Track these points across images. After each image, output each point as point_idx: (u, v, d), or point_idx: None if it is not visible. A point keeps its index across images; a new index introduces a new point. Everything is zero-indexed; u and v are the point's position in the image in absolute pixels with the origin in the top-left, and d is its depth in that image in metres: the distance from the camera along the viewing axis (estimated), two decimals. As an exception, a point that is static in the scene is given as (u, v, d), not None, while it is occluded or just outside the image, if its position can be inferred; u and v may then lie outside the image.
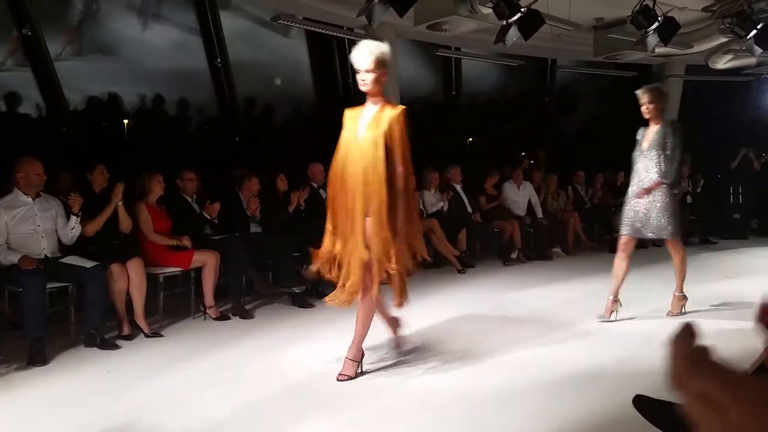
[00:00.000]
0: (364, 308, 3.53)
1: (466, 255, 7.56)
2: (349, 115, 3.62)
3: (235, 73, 8.48)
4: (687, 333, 0.51)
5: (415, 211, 3.71)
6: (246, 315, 5.10)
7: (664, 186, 4.65)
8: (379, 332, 3.86)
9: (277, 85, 9.48)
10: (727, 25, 7.94)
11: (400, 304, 3.55)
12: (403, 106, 3.56)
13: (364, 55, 3.47)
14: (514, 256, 7.77)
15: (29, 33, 6.63)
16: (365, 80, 3.50)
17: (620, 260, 4.82)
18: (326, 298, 3.66)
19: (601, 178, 9.29)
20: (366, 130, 3.46)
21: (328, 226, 3.57)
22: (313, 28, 8.08)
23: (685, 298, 4.86)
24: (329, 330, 4.64)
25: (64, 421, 3.01)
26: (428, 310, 5.29)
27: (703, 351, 0.51)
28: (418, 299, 5.67)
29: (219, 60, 8.34)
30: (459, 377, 3.52)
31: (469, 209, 7.94)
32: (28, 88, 6.98)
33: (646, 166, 4.75)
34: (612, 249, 8.46)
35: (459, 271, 7.08)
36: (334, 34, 8.53)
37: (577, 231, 8.59)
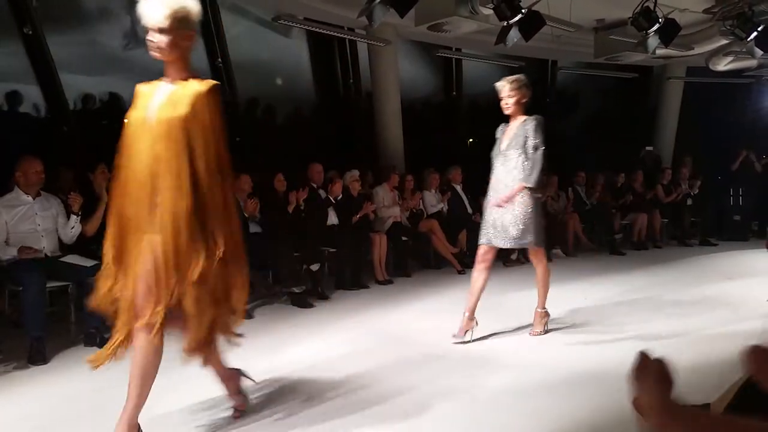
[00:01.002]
0: (138, 359, 2.60)
1: (466, 255, 7.55)
2: (141, 93, 2.66)
3: (236, 73, 8.49)
4: (660, 374, 0.49)
5: (239, 241, 2.74)
6: (245, 315, 5.09)
7: (526, 191, 4.12)
8: (375, 333, 3.86)
9: (278, 85, 9.49)
10: (728, 27, 7.94)
11: (191, 350, 2.64)
12: (214, 81, 2.55)
13: (156, 7, 2.45)
14: (514, 257, 7.77)
15: (30, 32, 6.63)
16: (157, 43, 2.49)
17: (478, 273, 4.28)
18: (88, 359, 2.66)
19: (602, 179, 9.29)
20: (158, 112, 2.50)
21: (108, 254, 2.62)
22: (314, 29, 8.08)
23: (547, 314, 4.41)
24: (329, 330, 4.64)
25: (64, 419, 3.01)
26: (428, 311, 5.29)
27: (675, 395, 0.49)
28: (418, 300, 5.68)
29: (220, 60, 8.35)
30: (458, 378, 3.52)
31: (470, 210, 7.94)
32: (29, 88, 6.99)
33: (507, 169, 4.20)
34: (612, 251, 8.52)
35: (459, 272, 7.08)
36: (335, 34, 8.54)
37: (577, 232, 8.59)
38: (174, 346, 2.61)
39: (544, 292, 4.41)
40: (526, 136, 4.15)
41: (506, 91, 4.23)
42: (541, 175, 4.11)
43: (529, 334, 4.37)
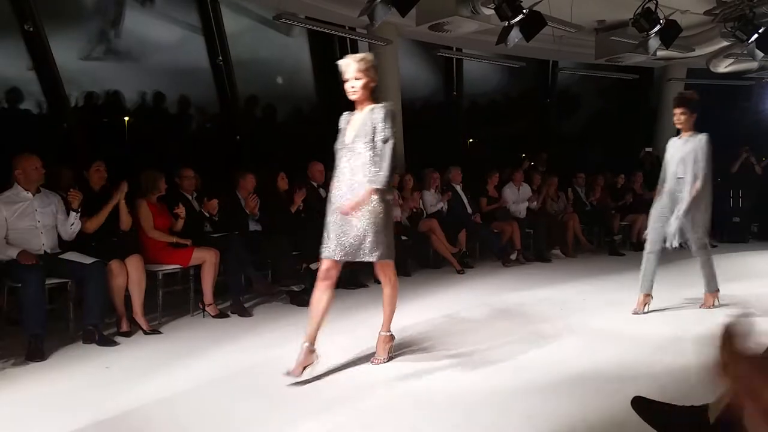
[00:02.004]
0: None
1: (466, 255, 7.56)
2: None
3: (236, 71, 8.49)
4: (742, 329, 0.55)
5: None
6: (245, 313, 5.10)
7: (376, 193, 3.47)
8: (374, 332, 3.86)
9: (278, 84, 9.49)
10: (729, 29, 7.95)
11: None
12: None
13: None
14: (513, 257, 7.78)
15: (31, 29, 6.63)
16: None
17: (320, 293, 3.56)
18: None
19: (601, 180, 9.30)
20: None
21: None
22: (315, 27, 8.08)
23: (392, 338, 3.80)
24: (327, 329, 4.64)
25: (62, 417, 3.01)
26: (427, 310, 5.29)
27: (752, 345, 0.55)
28: (418, 299, 5.68)
29: (221, 58, 8.35)
30: (456, 378, 3.52)
31: (469, 210, 7.94)
32: (30, 84, 6.98)
33: (353, 165, 3.53)
34: (612, 251, 8.53)
35: (458, 272, 7.08)
36: (336, 33, 8.53)
37: (577, 233, 8.59)
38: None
39: (390, 313, 3.78)
40: (375, 127, 3.46)
41: (352, 71, 3.50)
42: (392, 173, 3.50)
43: (371, 362, 3.69)
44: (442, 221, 7.37)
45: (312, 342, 3.51)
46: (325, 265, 3.56)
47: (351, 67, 3.50)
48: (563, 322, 4.76)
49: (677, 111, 4.89)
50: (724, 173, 10.15)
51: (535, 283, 6.42)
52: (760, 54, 8.16)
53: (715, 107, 11.60)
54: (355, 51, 9.84)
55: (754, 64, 9.24)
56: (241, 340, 4.39)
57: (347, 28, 8.68)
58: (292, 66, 9.71)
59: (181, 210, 5.09)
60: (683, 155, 4.97)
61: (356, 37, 9.03)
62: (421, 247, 7.36)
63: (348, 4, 7.49)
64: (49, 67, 6.86)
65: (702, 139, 4.94)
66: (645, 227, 8.87)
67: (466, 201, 7.94)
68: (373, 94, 3.60)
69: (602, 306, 5.37)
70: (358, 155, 3.50)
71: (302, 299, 5.43)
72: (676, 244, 4.91)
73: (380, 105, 3.55)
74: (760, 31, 7.73)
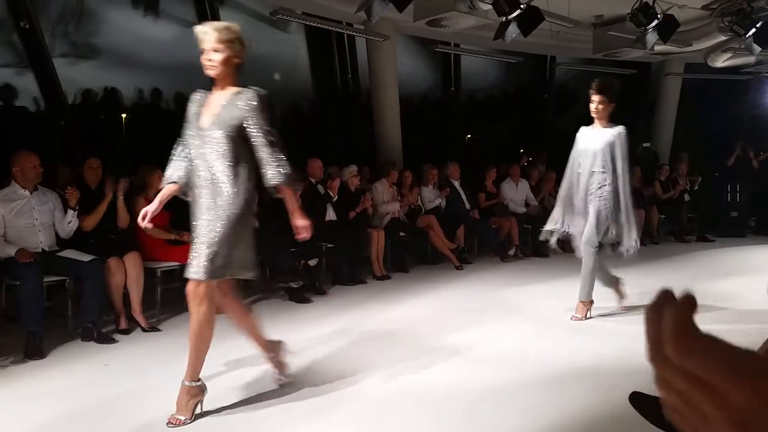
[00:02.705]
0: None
1: (464, 251, 7.56)
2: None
3: (233, 67, 8.46)
4: (687, 302, 0.42)
5: None
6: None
7: (236, 200, 2.84)
8: (372, 329, 3.86)
9: (275, 80, 9.47)
10: (727, 24, 7.94)
11: None
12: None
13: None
14: (511, 252, 7.78)
15: (27, 26, 6.60)
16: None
17: (232, 312, 3.15)
18: None
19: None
20: None
21: None
22: (312, 23, 8.06)
23: (200, 391, 2.97)
24: (326, 325, 4.65)
25: (60, 414, 3.01)
26: (425, 307, 5.29)
27: (695, 325, 0.42)
28: (416, 295, 5.69)
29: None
30: (455, 373, 3.53)
31: (467, 206, 7.94)
32: (26, 82, 6.96)
33: (207, 161, 2.90)
34: (611, 248, 8.51)
35: (457, 268, 7.08)
36: (334, 29, 8.52)
37: (575, 228, 8.58)
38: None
39: (195, 357, 2.94)
40: (244, 117, 2.88)
41: (210, 41, 2.89)
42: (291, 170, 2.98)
43: (167, 423, 2.88)
44: (440, 217, 7.37)
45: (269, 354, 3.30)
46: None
47: (209, 36, 2.90)
48: (561, 317, 4.77)
49: (596, 98, 4.39)
50: (722, 167, 10.17)
51: (534, 279, 6.43)
52: (757, 48, 8.16)
53: (713, 102, 11.61)
54: (352, 47, 9.88)
55: (751, 59, 9.23)
56: (238, 337, 4.38)
57: (344, 24, 8.66)
58: (290, 62, 9.70)
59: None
60: (598, 147, 4.46)
61: (353, 33, 9.01)
62: (419, 243, 7.36)
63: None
64: (45, 64, 6.84)
65: (621, 132, 4.44)
66: (642, 222, 8.97)
67: (464, 197, 7.93)
68: (237, 74, 3.00)
69: (600, 301, 5.37)
70: (213, 144, 2.88)
71: (300, 296, 5.44)
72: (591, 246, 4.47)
73: (248, 90, 2.95)
74: (757, 25, 7.73)
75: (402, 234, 7.04)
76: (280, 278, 5.62)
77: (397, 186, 7.30)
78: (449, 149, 10.27)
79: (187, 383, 2.91)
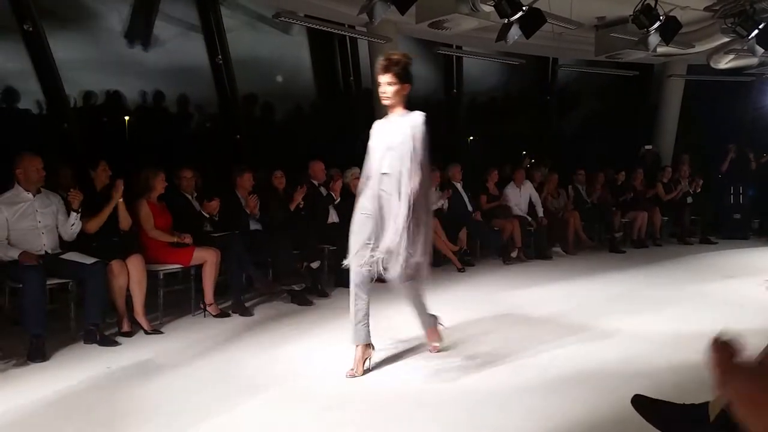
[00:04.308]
0: None
1: (467, 254, 7.56)
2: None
3: (236, 70, 8.49)
4: (729, 346, 0.52)
5: None
6: (246, 312, 5.11)
7: None
8: (374, 331, 3.86)
9: (278, 83, 9.48)
10: (729, 25, 7.93)
11: None
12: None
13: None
14: (514, 254, 7.77)
15: (31, 29, 6.62)
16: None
17: None
18: None
19: (602, 177, 9.29)
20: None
21: None
22: (314, 26, 8.07)
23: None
24: (329, 328, 4.65)
25: (63, 417, 3.02)
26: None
27: (745, 358, 0.53)
28: (418, 297, 5.68)
29: (220, 57, 8.34)
30: (457, 375, 3.52)
31: (470, 208, 7.93)
32: (30, 84, 6.98)
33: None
34: (612, 248, 8.52)
35: (459, 270, 7.08)
36: (336, 31, 8.52)
37: (577, 230, 8.59)
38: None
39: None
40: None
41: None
42: None
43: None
44: (442, 219, 7.36)
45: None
46: None
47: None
48: (564, 319, 4.77)
49: (383, 80, 3.42)
50: (722, 171, 10.15)
51: (536, 281, 6.42)
52: (760, 50, 8.15)
53: (716, 103, 11.59)
54: (354, 49, 9.89)
55: (754, 60, 9.22)
56: (241, 339, 4.40)
57: (347, 26, 8.67)
58: (292, 64, 9.71)
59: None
60: (392, 142, 3.43)
61: (356, 35, 9.02)
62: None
63: (347, 2, 7.48)
64: (48, 67, 6.86)
65: (417, 120, 3.39)
66: (645, 224, 8.98)
67: (466, 199, 7.93)
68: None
69: (603, 303, 5.37)
70: None
71: (303, 298, 5.44)
72: (382, 271, 3.47)
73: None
74: (760, 26, 7.72)
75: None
76: (282, 280, 5.62)
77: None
78: (451, 151, 10.26)
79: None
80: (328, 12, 8.07)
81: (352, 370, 3.54)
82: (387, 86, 3.43)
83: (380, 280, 3.53)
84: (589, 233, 8.88)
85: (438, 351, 3.92)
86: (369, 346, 3.63)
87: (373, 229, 3.54)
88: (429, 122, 3.42)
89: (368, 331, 3.63)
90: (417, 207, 3.34)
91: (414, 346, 4.08)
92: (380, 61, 3.48)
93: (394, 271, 3.37)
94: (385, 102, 3.49)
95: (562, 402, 3.09)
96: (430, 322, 3.96)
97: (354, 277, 3.62)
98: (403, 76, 3.44)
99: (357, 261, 3.58)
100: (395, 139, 3.42)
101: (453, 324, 4.58)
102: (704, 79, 11.16)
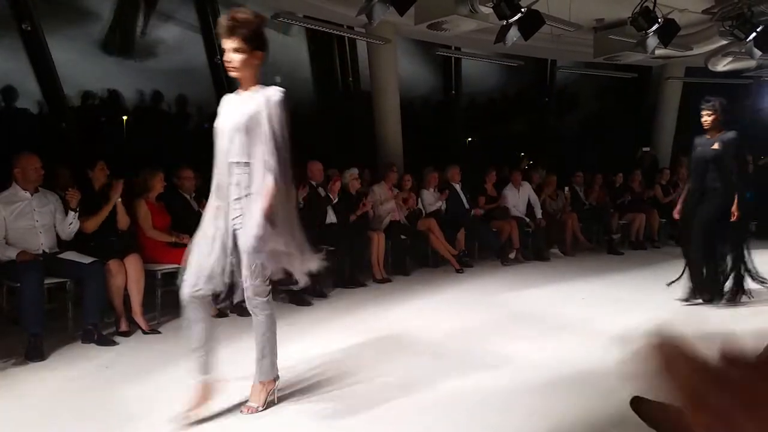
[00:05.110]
0: None
1: (465, 255, 7.56)
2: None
3: (234, 70, 8.48)
4: (675, 344, 0.47)
5: None
6: (243, 312, 5.09)
7: None
8: (374, 331, 3.86)
9: (277, 83, 9.48)
10: (727, 28, 7.95)
11: None
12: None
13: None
14: (512, 256, 7.78)
15: (29, 28, 6.62)
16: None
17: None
18: None
19: (600, 179, 9.31)
20: None
21: None
22: (313, 27, 8.08)
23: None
24: (326, 328, 4.65)
25: (60, 416, 3.01)
26: (426, 310, 5.29)
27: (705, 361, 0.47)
28: (416, 298, 5.68)
29: (219, 57, 8.34)
30: (457, 376, 3.52)
31: (468, 208, 7.93)
32: (28, 83, 6.98)
33: None
34: (610, 250, 8.53)
35: (457, 271, 7.08)
36: (335, 32, 8.53)
37: (575, 232, 8.60)
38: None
39: None
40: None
41: None
42: None
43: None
44: (440, 220, 7.37)
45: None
46: None
47: None
48: (562, 320, 4.77)
49: (227, 45, 2.79)
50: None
51: (534, 283, 6.42)
52: (758, 52, 8.17)
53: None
54: (353, 50, 9.90)
55: (752, 63, 9.25)
56: (239, 339, 4.39)
57: (345, 27, 8.68)
58: (291, 65, 9.71)
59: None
60: (240, 123, 2.84)
61: (355, 36, 9.03)
62: (419, 246, 7.36)
63: (346, 3, 7.48)
64: (47, 67, 6.85)
65: (273, 96, 2.84)
66: (643, 226, 8.98)
67: (465, 200, 7.94)
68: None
69: (601, 304, 5.37)
70: None
71: (301, 298, 5.44)
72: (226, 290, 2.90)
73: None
74: (758, 29, 7.74)
75: (402, 237, 7.04)
76: (280, 280, 5.61)
77: (397, 189, 7.31)
78: (450, 152, 10.28)
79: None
80: (327, 13, 8.08)
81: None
82: (233, 53, 2.80)
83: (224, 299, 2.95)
84: (587, 235, 8.89)
85: (252, 412, 2.97)
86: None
87: (223, 232, 2.83)
88: (288, 100, 2.87)
89: (206, 363, 2.93)
90: (277, 209, 2.73)
91: (413, 346, 4.08)
92: (223, 22, 2.79)
93: (253, 292, 2.83)
94: (232, 74, 2.89)
95: (561, 403, 3.09)
96: (268, 374, 3.05)
97: (189, 297, 2.84)
98: (254, 41, 2.82)
99: (196, 275, 2.82)
100: (244, 120, 2.82)
101: (451, 325, 4.58)
102: (702, 82, 11.19)
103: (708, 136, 5.09)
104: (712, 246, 5.09)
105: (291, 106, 2.76)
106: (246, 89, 2.93)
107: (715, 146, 5.00)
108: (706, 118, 5.06)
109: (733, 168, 5.03)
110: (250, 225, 2.72)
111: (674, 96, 11.69)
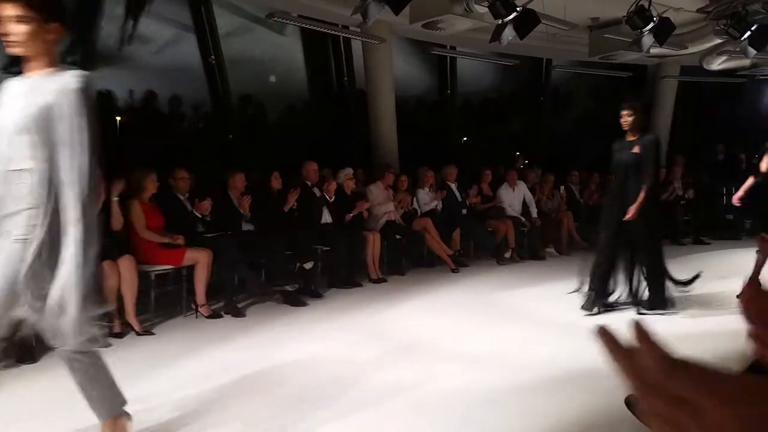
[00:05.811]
0: None
1: (460, 254, 7.55)
2: None
3: (229, 70, 8.46)
4: (643, 333, 0.46)
5: None
6: (238, 313, 5.08)
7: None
8: (369, 332, 3.84)
9: (271, 83, 9.46)
10: (722, 27, 7.96)
11: None
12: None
13: None
14: (507, 255, 7.77)
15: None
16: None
17: None
18: None
19: (596, 178, 9.30)
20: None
21: None
22: (308, 26, 8.05)
23: None
24: (322, 328, 4.63)
25: (53, 419, 2.99)
26: (422, 310, 5.28)
27: (666, 350, 0.46)
28: (412, 298, 5.67)
29: (213, 57, 8.32)
30: (452, 376, 3.51)
31: (464, 209, 7.92)
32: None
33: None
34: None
35: (453, 271, 7.07)
36: (329, 31, 8.50)
37: (571, 231, 8.59)
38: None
39: None
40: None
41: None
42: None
43: None
44: (436, 220, 7.35)
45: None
46: None
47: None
48: (558, 320, 4.76)
49: (6, 13, 2.14)
50: (712, 171, 10.18)
51: (530, 282, 6.42)
52: (752, 51, 8.18)
53: (709, 104, 11.64)
54: (348, 49, 9.88)
55: (746, 62, 9.27)
56: (234, 340, 4.37)
57: (340, 26, 8.65)
58: (285, 65, 9.69)
59: None
60: (26, 118, 2.15)
61: (349, 36, 9.00)
62: (415, 245, 7.34)
63: (341, 2, 7.46)
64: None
65: (71, 82, 2.15)
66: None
67: (460, 199, 7.92)
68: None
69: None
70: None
71: (296, 299, 5.42)
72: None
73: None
74: (752, 28, 7.75)
75: (398, 237, 7.03)
76: (275, 281, 5.59)
77: (392, 189, 7.29)
78: (445, 152, 10.27)
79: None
80: (322, 12, 8.05)
81: None
82: (14, 24, 2.14)
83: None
84: (583, 234, 8.89)
85: None
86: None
87: (17, 263, 2.18)
88: (91, 87, 2.20)
89: None
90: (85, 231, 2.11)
91: (413, 347, 4.06)
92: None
93: (67, 333, 2.23)
94: (14, 50, 2.18)
95: (558, 402, 3.08)
96: (112, 408, 2.62)
97: None
98: (46, 10, 2.17)
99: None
100: (32, 113, 2.14)
101: (447, 324, 4.57)
102: (697, 80, 11.21)
103: (628, 139, 4.90)
104: (625, 253, 4.95)
105: (92, 95, 2.17)
106: (35, 73, 2.22)
107: (636, 149, 4.83)
108: (627, 119, 4.83)
109: (648, 170, 4.82)
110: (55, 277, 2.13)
111: (669, 94, 11.70)
